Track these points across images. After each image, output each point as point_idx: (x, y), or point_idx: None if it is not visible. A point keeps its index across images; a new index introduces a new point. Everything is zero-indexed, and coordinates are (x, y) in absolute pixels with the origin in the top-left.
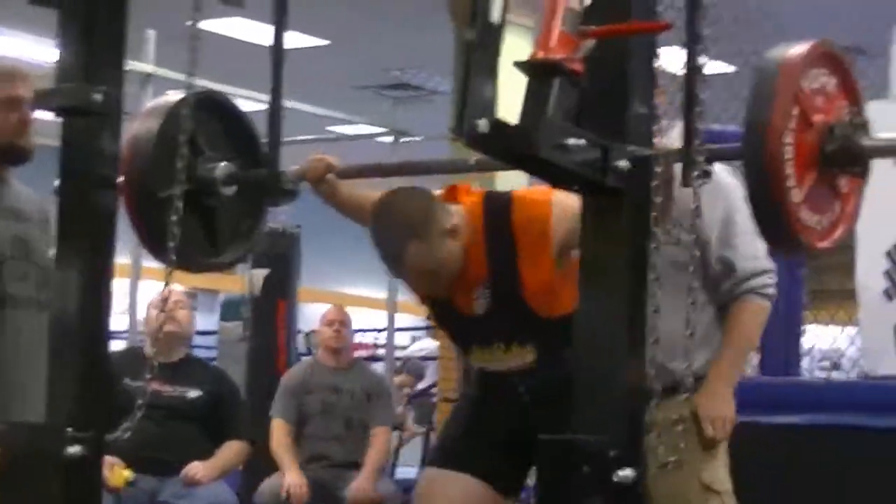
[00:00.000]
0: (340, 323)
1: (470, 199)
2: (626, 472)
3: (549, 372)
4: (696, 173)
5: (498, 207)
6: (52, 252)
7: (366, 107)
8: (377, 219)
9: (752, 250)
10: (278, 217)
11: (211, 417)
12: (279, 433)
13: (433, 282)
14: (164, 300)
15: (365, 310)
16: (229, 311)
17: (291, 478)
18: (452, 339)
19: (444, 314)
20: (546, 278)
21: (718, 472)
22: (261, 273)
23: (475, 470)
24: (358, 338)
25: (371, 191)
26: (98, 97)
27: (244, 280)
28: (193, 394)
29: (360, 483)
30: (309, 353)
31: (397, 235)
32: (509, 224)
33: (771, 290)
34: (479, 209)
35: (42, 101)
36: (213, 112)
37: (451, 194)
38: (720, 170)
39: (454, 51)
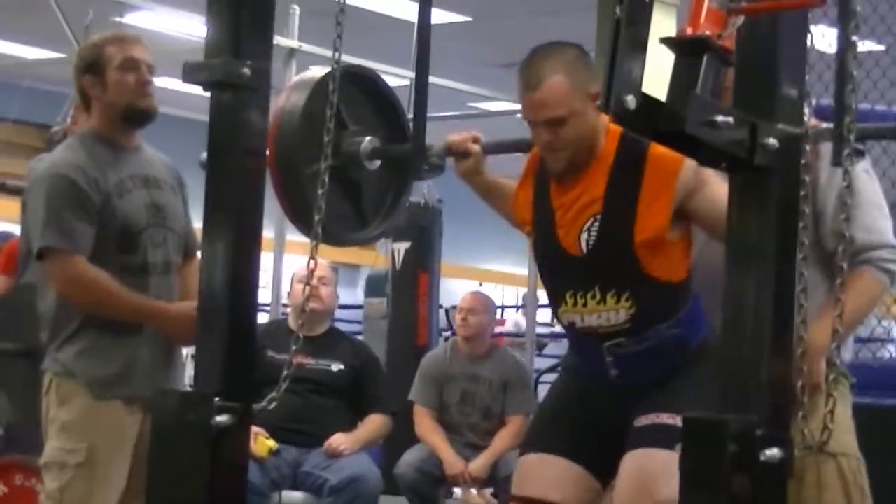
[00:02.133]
0: (469, 311)
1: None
2: (773, 452)
3: (639, 342)
4: (847, 152)
5: (636, 137)
6: (183, 215)
7: (508, 84)
8: (533, 50)
9: (872, 222)
10: (421, 191)
11: (353, 390)
12: (423, 419)
13: (555, 137)
14: (309, 275)
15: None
16: (374, 287)
17: (449, 459)
18: (549, 282)
19: (546, 248)
20: (660, 228)
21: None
22: (402, 246)
23: (569, 452)
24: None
25: (510, 180)
26: (246, 71)
27: (385, 255)
28: (336, 367)
29: (475, 462)
30: (450, 327)
31: (548, 61)
32: (643, 152)
33: (892, 266)
34: (616, 132)
35: (191, 74)
36: (358, 86)
37: None
38: None
39: (598, 28)
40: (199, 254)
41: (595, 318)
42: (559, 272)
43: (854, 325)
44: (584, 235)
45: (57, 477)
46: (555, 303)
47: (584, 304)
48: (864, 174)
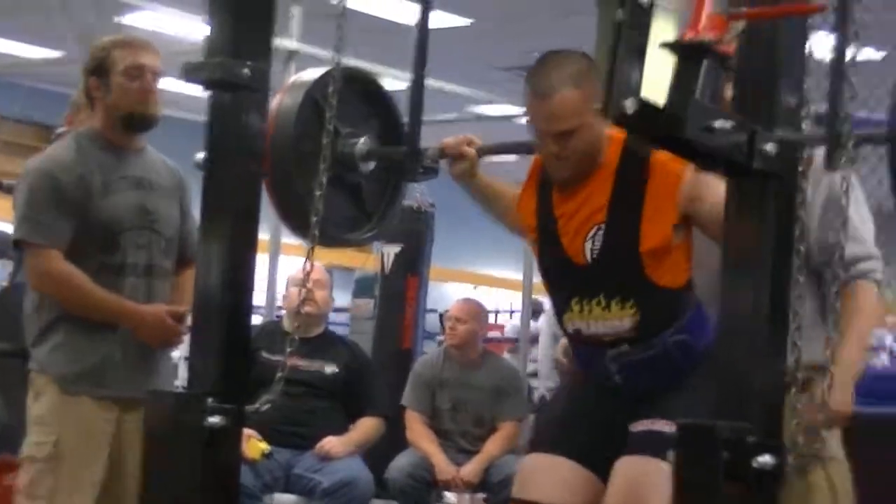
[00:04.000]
0: (457, 319)
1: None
2: (766, 459)
3: (643, 351)
4: (843, 158)
5: (640, 145)
6: (179, 220)
7: (507, 87)
8: (542, 57)
9: (856, 232)
10: (413, 194)
11: (347, 393)
12: (415, 424)
13: (562, 148)
14: (305, 277)
15: (499, 290)
16: (362, 288)
17: (441, 464)
18: (553, 290)
19: (550, 256)
20: (665, 236)
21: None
22: (392, 249)
23: (575, 454)
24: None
25: (505, 183)
26: (246, 72)
27: (377, 257)
28: (330, 369)
29: (466, 468)
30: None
31: (559, 73)
32: (647, 160)
33: (878, 276)
34: (619, 139)
35: (191, 74)
36: (353, 88)
37: None
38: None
39: (598, 32)
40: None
41: (601, 326)
42: (564, 280)
43: (868, 339)
44: (589, 244)
45: (27, 470)
46: (560, 310)
47: (590, 312)
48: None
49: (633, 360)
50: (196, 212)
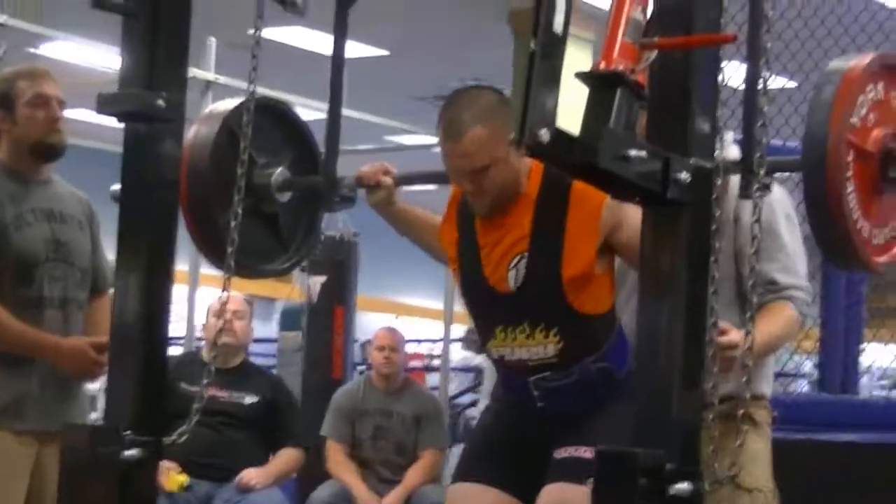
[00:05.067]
0: (391, 349)
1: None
2: (683, 486)
3: (565, 377)
4: (756, 186)
5: (559, 173)
6: (90, 251)
7: (424, 117)
8: (452, 96)
9: (792, 266)
10: (337, 225)
11: (266, 424)
12: (335, 454)
13: (478, 185)
14: (222, 308)
15: (421, 320)
16: (289, 320)
17: (362, 495)
18: (478, 319)
19: (473, 285)
20: (587, 264)
21: (754, 471)
22: (318, 280)
23: (500, 482)
24: (413, 347)
25: (426, 210)
26: (161, 103)
27: (301, 288)
28: (249, 400)
29: (388, 498)
30: (364, 362)
31: (469, 112)
32: (567, 188)
33: (805, 308)
34: (539, 166)
35: (105, 105)
36: (270, 119)
37: None
38: None
39: (514, 62)
40: (110, 291)
41: (524, 352)
42: (488, 308)
43: (769, 349)
44: (512, 273)
45: None
46: (484, 337)
47: (514, 339)
48: (785, 219)
49: (554, 386)
50: (112, 242)
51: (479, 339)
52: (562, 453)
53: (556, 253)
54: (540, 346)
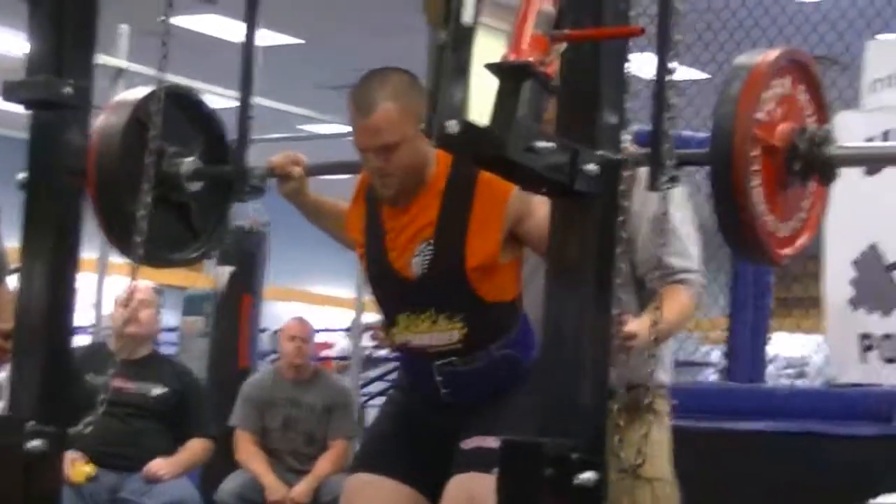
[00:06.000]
0: (302, 339)
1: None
2: (588, 475)
3: (469, 363)
4: (664, 178)
5: (467, 164)
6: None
7: (337, 106)
8: (365, 75)
9: (684, 249)
10: (248, 215)
11: (174, 414)
12: (245, 444)
13: (385, 163)
14: (129, 297)
15: (331, 308)
16: (192, 306)
17: (271, 485)
18: (382, 304)
19: (378, 271)
20: (491, 254)
21: (654, 461)
22: (226, 270)
23: (399, 473)
24: (323, 337)
25: (337, 199)
26: (67, 90)
27: (211, 276)
28: (157, 391)
29: (297, 488)
30: (275, 352)
31: (380, 89)
32: (474, 178)
33: (699, 290)
34: (447, 158)
35: (11, 92)
36: (178, 106)
37: None
38: None
39: (428, 52)
40: (7, 279)
41: (427, 339)
42: (392, 294)
43: (667, 335)
44: (417, 259)
45: None
46: (387, 323)
47: (418, 326)
48: (680, 204)
49: (458, 372)
50: (16, 230)
51: (383, 327)
52: (468, 444)
53: (461, 242)
54: (444, 333)
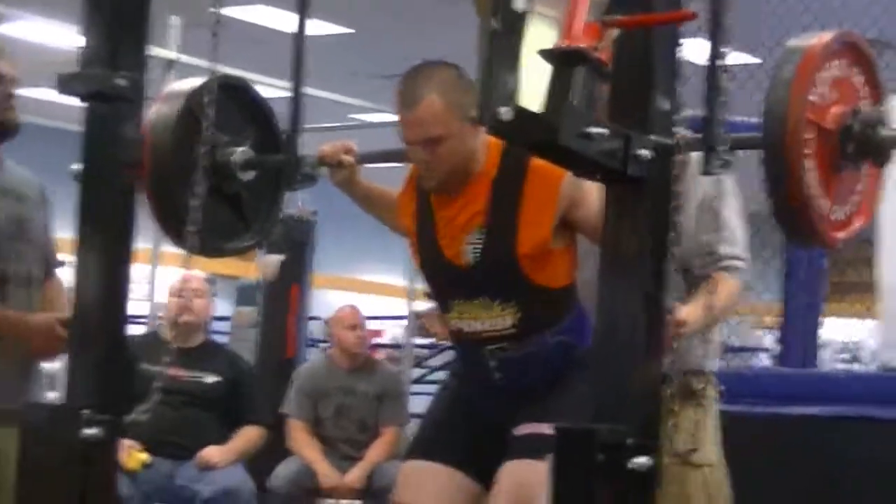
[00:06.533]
0: (361, 327)
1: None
2: (641, 460)
3: (523, 349)
4: (717, 162)
5: (519, 150)
6: (47, 231)
7: (388, 95)
8: (411, 69)
9: (731, 237)
10: (296, 203)
11: (227, 402)
12: (299, 433)
13: (431, 156)
14: (183, 287)
15: (378, 297)
16: (244, 296)
17: (325, 471)
18: (435, 292)
19: (430, 259)
20: (543, 240)
21: (705, 447)
22: (275, 259)
23: (453, 460)
24: (373, 325)
25: (388, 187)
26: (121, 83)
27: (259, 266)
28: (210, 379)
29: (350, 474)
30: (324, 340)
31: (425, 81)
32: (525, 166)
33: (745, 277)
34: (499, 144)
35: (66, 85)
36: (230, 96)
37: None
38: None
39: (479, 40)
40: (56, 272)
41: (480, 325)
42: (445, 281)
43: (716, 320)
44: (469, 248)
45: None
46: (442, 309)
47: (471, 312)
48: (726, 191)
49: (511, 357)
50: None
51: (438, 313)
52: (521, 430)
53: (512, 229)
54: (498, 318)
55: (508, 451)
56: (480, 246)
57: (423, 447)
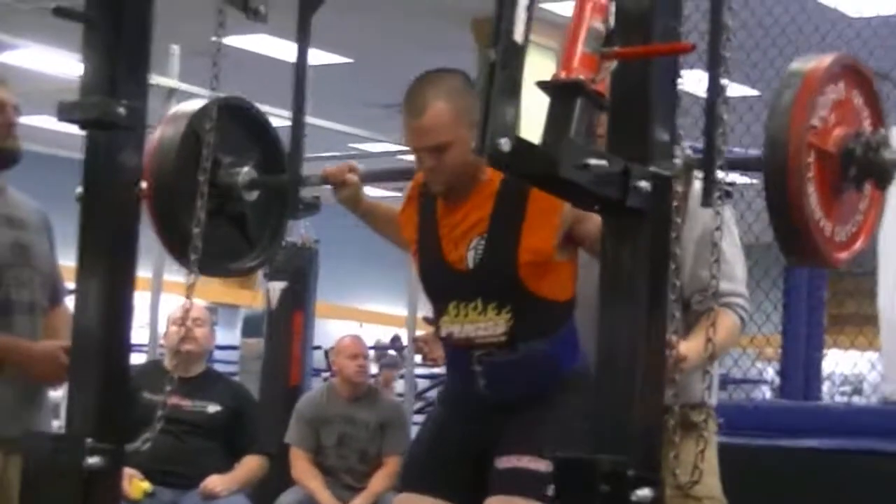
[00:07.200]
0: (364, 356)
1: None
2: (644, 492)
3: (509, 356)
4: (717, 193)
5: (518, 182)
6: (50, 258)
7: (389, 124)
8: (418, 77)
9: (731, 272)
10: (299, 231)
11: (230, 432)
12: (300, 462)
13: (437, 163)
14: (184, 315)
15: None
16: (251, 326)
17: (327, 502)
18: (433, 296)
19: (432, 265)
20: (545, 252)
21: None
22: (278, 286)
23: (441, 491)
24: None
25: (390, 205)
26: (121, 111)
27: (264, 294)
28: (213, 408)
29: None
30: (330, 369)
31: (431, 88)
32: None
33: (744, 314)
34: None
35: (66, 113)
36: (233, 117)
37: None
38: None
39: (477, 71)
40: (64, 301)
41: (473, 329)
42: (444, 284)
43: (715, 356)
44: (471, 253)
45: None
46: (437, 314)
47: (466, 315)
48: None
49: (497, 362)
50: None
51: (433, 320)
52: (503, 462)
53: (514, 239)
54: (490, 323)
55: (491, 486)
56: (482, 251)
57: (412, 480)
